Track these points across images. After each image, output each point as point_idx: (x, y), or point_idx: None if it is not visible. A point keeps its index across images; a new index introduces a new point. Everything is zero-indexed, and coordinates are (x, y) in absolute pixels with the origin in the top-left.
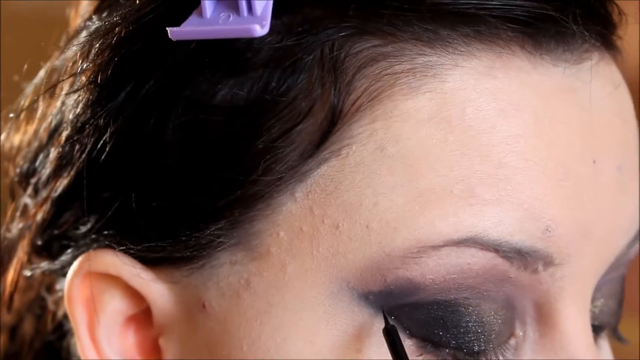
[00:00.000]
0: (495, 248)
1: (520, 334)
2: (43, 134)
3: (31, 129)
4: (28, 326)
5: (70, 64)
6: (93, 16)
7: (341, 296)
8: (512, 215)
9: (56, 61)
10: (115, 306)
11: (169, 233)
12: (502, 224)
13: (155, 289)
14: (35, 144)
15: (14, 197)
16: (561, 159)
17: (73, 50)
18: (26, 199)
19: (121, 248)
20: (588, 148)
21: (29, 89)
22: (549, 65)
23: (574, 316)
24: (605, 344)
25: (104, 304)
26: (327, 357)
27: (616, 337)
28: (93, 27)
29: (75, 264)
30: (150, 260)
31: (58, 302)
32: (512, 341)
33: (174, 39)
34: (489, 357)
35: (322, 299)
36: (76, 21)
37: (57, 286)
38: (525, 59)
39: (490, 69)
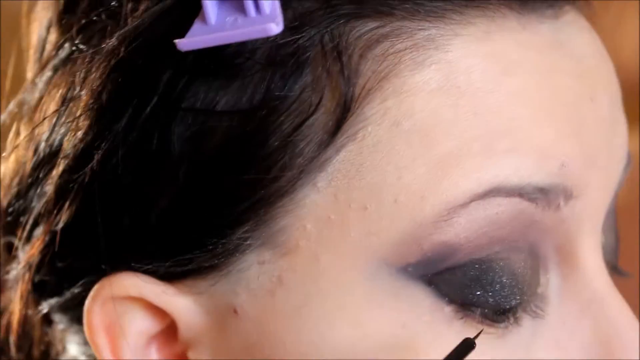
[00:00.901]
0: (519, 192)
1: (544, 281)
2: (30, 169)
3: (8, 165)
4: None
5: (51, 93)
6: (65, 44)
7: (380, 275)
8: (528, 159)
9: (25, 93)
10: (138, 327)
11: (195, 244)
12: (521, 169)
13: (180, 303)
14: (21, 180)
15: None
16: (564, 102)
17: (47, 78)
18: (14, 240)
19: (146, 268)
20: (585, 89)
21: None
22: (536, 23)
23: (592, 251)
24: None
25: (126, 327)
26: (374, 336)
27: (617, 272)
28: (73, 53)
29: (92, 291)
30: (173, 275)
31: (55, 336)
32: (539, 290)
33: (183, 50)
34: (525, 308)
35: (361, 281)
36: (31, 39)
37: (56, 319)
38: (514, 20)
39: (487, 33)
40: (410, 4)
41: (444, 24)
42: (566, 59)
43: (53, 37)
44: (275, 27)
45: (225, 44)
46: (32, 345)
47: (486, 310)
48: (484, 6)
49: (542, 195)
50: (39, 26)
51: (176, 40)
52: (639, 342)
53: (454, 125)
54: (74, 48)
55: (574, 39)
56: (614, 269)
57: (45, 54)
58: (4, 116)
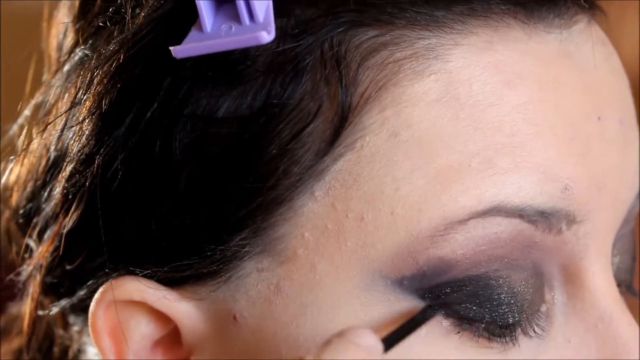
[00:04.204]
0: (520, 214)
1: (549, 298)
2: (41, 171)
3: (22, 168)
4: None
5: (64, 97)
6: (76, 48)
7: (375, 286)
8: (530, 180)
9: (41, 96)
10: (142, 331)
11: (193, 250)
12: (523, 189)
13: (182, 308)
14: (34, 183)
15: (10, 239)
16: (569, 119)
17: (61, 83)
18: (29, 240)
19: (145, 272)
20: (592, 106)
21: (14, 127)
22: (543, 33)
23: (600, 273)
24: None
25: (130, 331)
26: None
27: (630, 292)
28: (83, 58)
29: (97, 295)
30: (173, 281)
31: (72, 337)
32: (543, 308)
33: (178, 57)
34: (523, 327)
35: (357, 293)
36: (51, 43)
37: (70, 320)
38: (520, 30)
39: (489, 43)
40: (411, 12)
41: (444, 33)
42: (573, 72)
43: (69, 40)
44: (267, 36)
45: (218, 51)
46: (52, 345)
47: (483, 326)
48: (487, 15)
49: (543, 219)
50: (58, 29)
51: (171, 47)
52: None
53: (454, 139)
54: (81, 54)
55: (583, 50)
56: (628, 288)
57: (61, 57)
58: (20, 120)
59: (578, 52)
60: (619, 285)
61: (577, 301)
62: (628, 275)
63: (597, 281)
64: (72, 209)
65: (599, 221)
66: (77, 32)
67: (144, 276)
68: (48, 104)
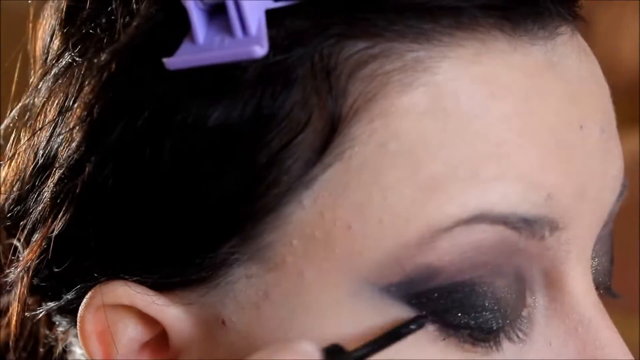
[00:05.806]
0: (504, 221)
1: (531, 302)
2: (29, 175)
3: (9, 170)
4: None
5: (51, 102)
6: (65, 53)
7: (363, 293)
8: (515, 188)
9: (27, 99)
10: (130, 335)
11: (183, 258)
12: (507, 197)
13: (171, 313)
14: (21, 186)
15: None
16: (552, 129)
17: (48, 87)
18: (16, 242)
19: (135, 279)
20: (574, 116)
21: (1, 128)
22: (528, 45)
23: (580, 277)
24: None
25: (118, 334)
26: None
27: (610, 294)
28: (71, 63)
29: (86, 299)
30: (162, 286)
31: (57, 337)
32: (525, 312)
33: (171, 68)
34: (506, 332)
35: (345, 299)
36: (37, 45)
37: (56, 321)
38: (505, 42)
39: (476, 55)
40: (400, 25)
41: (433, 46)
42: (557, 82)
43: (56, 44)
44: (260, 50)
45: (211, 63)
46: (37, 345)
47: (468, 332)
48: (474, 28)
49: (527, 225)
50: (45, 31)
51: (164, 59)
52: None
53: (441, 149)
54: (69, 59)
55: (567, 61)
56: (607, 290)
57: (48, 61)
58: (7, 121)
59: (561, 63)
60: (597, 287)
61: (558, 304)
62: (606, 277)
63: (578, 285)
64: (61, 214)
65: (581, 227)
66: (64, 36)
67: (134, 281)
68: (35, 107)
